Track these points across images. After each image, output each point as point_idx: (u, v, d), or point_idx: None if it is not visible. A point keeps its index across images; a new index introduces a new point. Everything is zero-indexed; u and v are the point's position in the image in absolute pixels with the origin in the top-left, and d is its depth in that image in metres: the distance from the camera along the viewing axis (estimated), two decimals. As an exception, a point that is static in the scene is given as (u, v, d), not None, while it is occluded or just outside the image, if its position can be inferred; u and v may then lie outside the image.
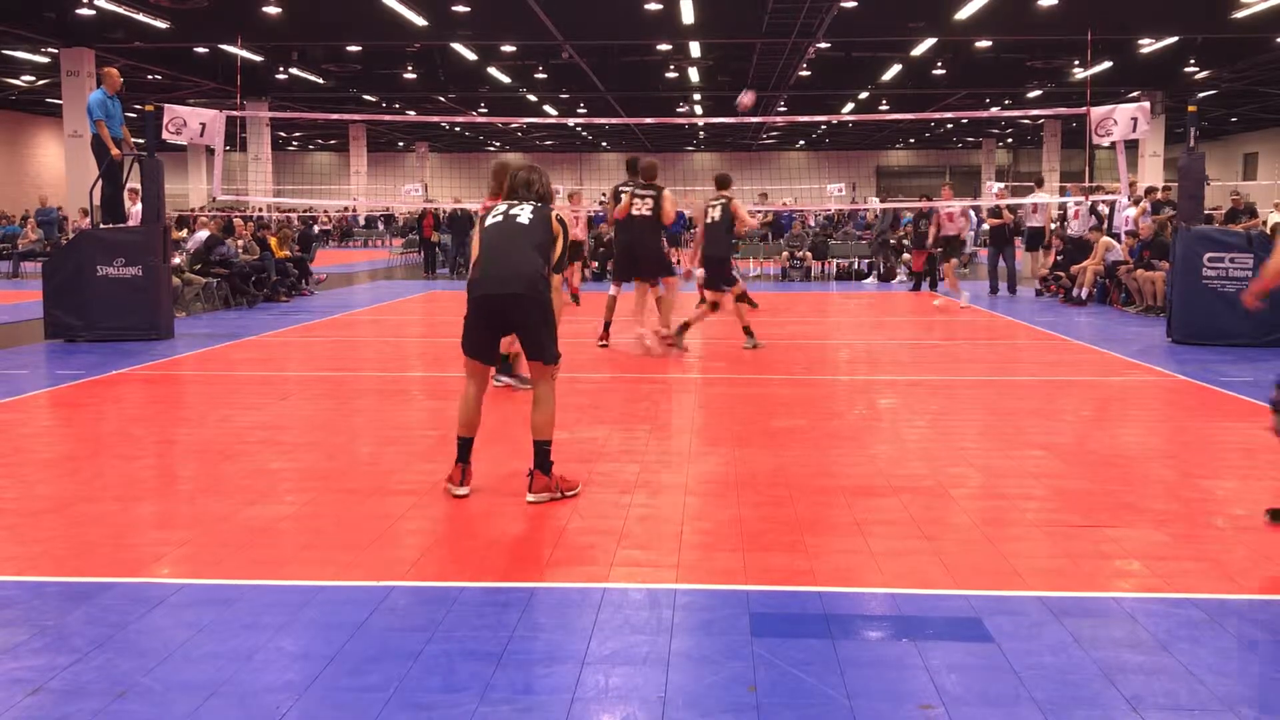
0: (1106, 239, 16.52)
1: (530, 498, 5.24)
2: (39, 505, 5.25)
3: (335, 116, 34.88)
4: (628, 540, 4.68)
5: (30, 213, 27.09)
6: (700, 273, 11.24)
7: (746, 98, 16.81)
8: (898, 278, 21.00)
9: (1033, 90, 30.95)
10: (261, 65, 28.76)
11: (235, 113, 15.81)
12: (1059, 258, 18.22)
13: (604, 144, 56.40)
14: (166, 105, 12.86)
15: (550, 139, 54.33)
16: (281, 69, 29.32)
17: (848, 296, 18.36)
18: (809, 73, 29.27)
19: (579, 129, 47.80)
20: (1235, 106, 38.72)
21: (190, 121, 12.74)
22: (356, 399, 8.36)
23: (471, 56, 27.88)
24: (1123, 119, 12.94)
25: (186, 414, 7.89)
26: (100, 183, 12.31)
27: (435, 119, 26.42)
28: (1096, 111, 13.25)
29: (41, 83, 31.38)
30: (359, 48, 27.85)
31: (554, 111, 38.82)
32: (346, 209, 43.17)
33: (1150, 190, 19.28)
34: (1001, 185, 35.50)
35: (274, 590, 4.09)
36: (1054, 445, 6.56)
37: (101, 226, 12.26)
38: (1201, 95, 32.70)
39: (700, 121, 43.13)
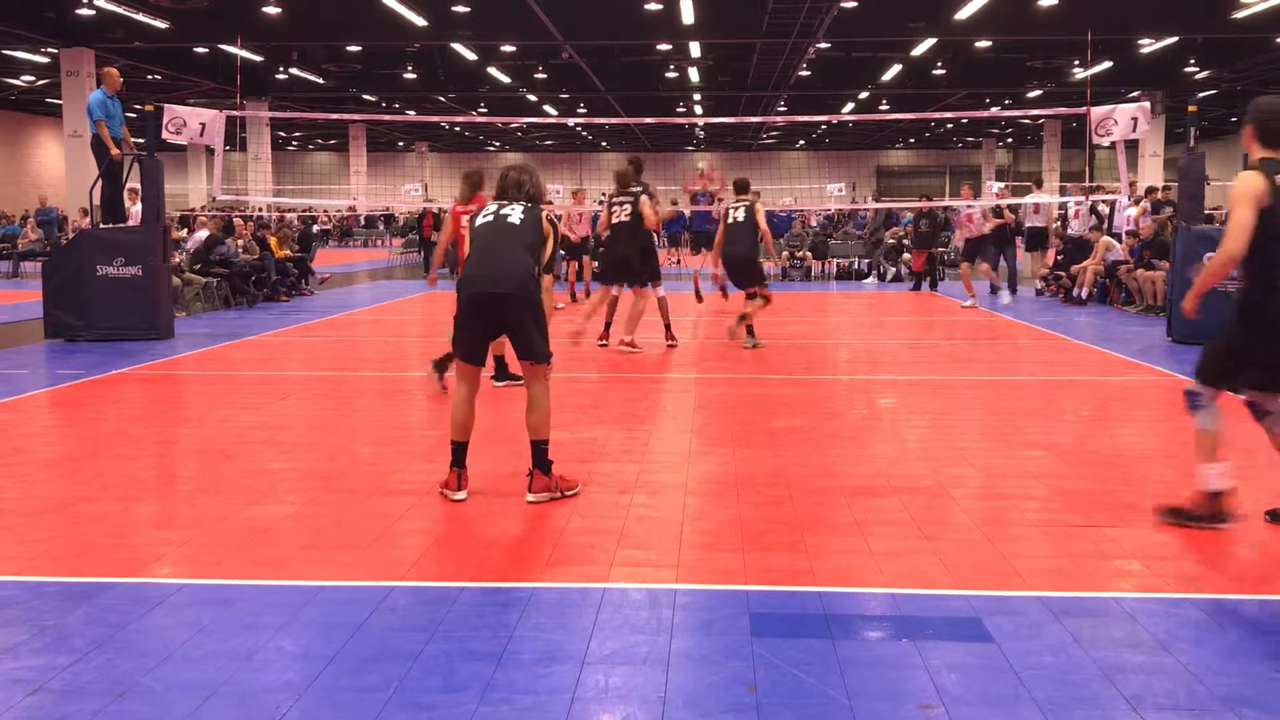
0: (1107, 239, 16.53)
1: (530, 498, 5.25)
2: (39, 505, 5.25)
3: (335, 116, 34.91)
4: (628, 540, 4.68)
5: (30, 213, 27.10)
6: (721, 272, 11.26)
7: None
8: (888, 277, 21.01)
9: (1033, 90, 30.97)
10: (261, 65, 28.77)
11: (235, 113, 15.80)
12: (1059, 257, 18.22)
13: (604, 144, 56.40)
14: (166, 105, 12.85)
15: (550, 139, 54.34)
16: (281, 69, 29.33)
17: (847, 296, 18.36)
18: (809, 73, 29.29)
19: (579, 129, 47.83)
20: (1235, 106, 38.68)
21: (190, 121, 12.74)
22: (356, 399, 8.36)
23: (471, 56, 27.89)
24: (1123, 119, 12.95)
25: (186, 414, 7.89)
26: (100, 182, 12.32)
27: (435, 119, 26.40)
28: (1096, 111, 13.25)
29: (41, 83, 31.39)
30: (359, 48, 27.87)
31: (554, 111, 38.83)
32: (350, 209, 43.16)
33: (1150, 190, 19.29)
34: (1001, 185, 35.51)
35: (274, 590, 4.09)
36: (1054, 445, 6.56)
37: (101, 226, 12.27)
38: (1201, 95, 32.71)
39: (700, 121, 43.16)
